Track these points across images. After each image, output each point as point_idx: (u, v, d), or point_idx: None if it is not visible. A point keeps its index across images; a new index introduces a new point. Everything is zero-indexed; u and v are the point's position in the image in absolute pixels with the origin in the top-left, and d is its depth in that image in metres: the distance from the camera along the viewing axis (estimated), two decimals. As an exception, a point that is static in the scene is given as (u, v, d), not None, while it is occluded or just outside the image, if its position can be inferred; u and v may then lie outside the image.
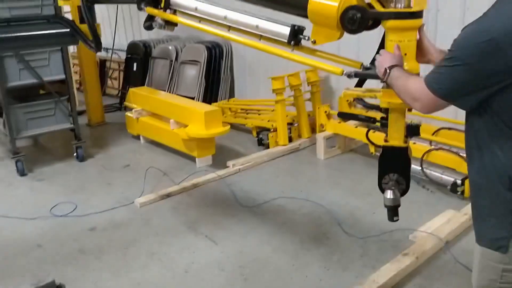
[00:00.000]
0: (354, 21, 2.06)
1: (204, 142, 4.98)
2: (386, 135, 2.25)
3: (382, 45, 2.10)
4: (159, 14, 2.89)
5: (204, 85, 6.56)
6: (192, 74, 6.69)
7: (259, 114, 6.01)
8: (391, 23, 2.00)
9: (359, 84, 2.33)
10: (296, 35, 2.37)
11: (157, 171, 4.88)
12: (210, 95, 6.62)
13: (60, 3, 3.55)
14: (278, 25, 2.46)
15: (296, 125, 5.50)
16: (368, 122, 2.50)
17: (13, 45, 3.56)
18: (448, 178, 4.04)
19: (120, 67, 8.25)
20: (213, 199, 4.30)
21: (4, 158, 5.57)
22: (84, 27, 3.25)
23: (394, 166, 2.26)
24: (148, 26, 3.02)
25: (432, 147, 4.23)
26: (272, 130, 5.41)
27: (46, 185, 4.82)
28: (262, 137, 5.45)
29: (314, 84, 5.43)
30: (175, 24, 2.96)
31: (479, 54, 1.43)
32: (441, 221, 3.53)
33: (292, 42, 2.38)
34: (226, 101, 6.62)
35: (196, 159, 5.03)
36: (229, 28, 2.63)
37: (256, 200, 4.18)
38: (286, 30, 2.39)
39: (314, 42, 2.29)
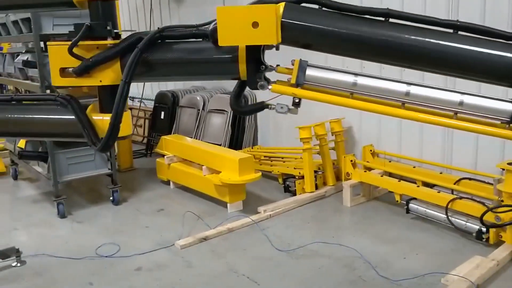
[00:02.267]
0: None
1: (235, 188, 5.26)
2: None
3: None
4: (301, 93, 2.08)
5: (230, 132, 6.90)
6: (219, 122, 7.05)
7: (284, 162, 6.30)
8: None
9: None
10: None
11: (191, 215, 5.12)
12: (235, 142, 6.95)
13: (59, 81, 2.19)
14: (495, 101, 1.98)
15: (321, 173, 5.79)
16: None
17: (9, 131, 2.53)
18: (473, 226, 4.28)
19: (145, 115, 8.63)
20: (249, 243, 4.53)
21: (42, 201, 5.84)
22: (104, 120, 2.18)
23: None
24: (255, 110, 2.34)
25: (455, 196, 4.49)
26: (298, 177, 5.70)
27: (86, 226, 5.07)
28: (289, 184, 5.73)
29: (338, 134, 5.76)
30: (299, 105, 2.13)
31: None
32: (470, 266, 3.74)
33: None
34: (250, 148, 6.93)
35: (228, 204, 5.28)
36: (403, 103, 2.04)
37: (291, 245, 4.41)
38: (508, 107, 1.95)
39: None
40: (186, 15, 8.08)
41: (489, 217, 4.12)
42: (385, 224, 4.80)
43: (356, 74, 2.08)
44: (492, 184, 4.38)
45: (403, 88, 2.03)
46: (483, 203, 4.21)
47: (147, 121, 8.59)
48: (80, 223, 5.17)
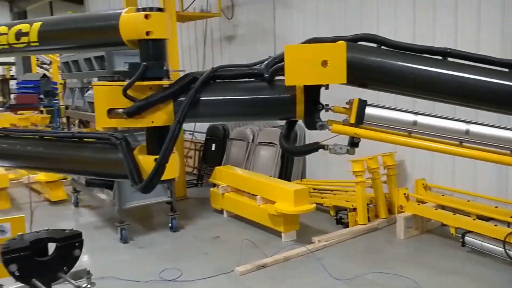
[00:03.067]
0: None
1: (290, 218, 5.42)
2: None
3: None
4: (358, 132, 2.03)
5: (280, 165, 7.12)
6: (268, 155, 7.28)
7: (334, 194, 6.44)
8: None
9: None
10: None
11: (246, 243, 5.29)
12: (284, 174, 7.14)
13: (107, 123, 2.09)
14: None
15: (373, 205, 5.89)
16: None
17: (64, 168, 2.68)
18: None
19: (195, 146, 8.98)
20: (306, 272, 4.66)
21: (104, 227, 6.15)
22: (149, 161, 2.04)
23: None
24: (309, 151, 2.23)
25: (512, 229, 4.52)
26: (349, 209, 5.82)
27: (148, 252, 5.32)
28: (341, 216, 5.85)
29: (390, 167, 5.89)
30: (358, 145, 2.10)
31: None
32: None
33: None
34: (299, 181, 7.10)
35: (282, 234, 5.44)
36: (461, 142, 2.01)
37: (348, 274, 4.51)
38: None
39: None
40: (237, 53, 8.48)
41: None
42: (440, 256, 4.85)
43: (415, 113, 2.03)
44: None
45: (462, 126, 1.99)
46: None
47: (197, 152, 8.92)
48: (142, 248, 5.42)
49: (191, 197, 7.47)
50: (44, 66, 18.35)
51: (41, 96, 15.00)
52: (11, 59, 17.63)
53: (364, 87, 2.09)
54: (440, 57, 1.97)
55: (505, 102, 1.92)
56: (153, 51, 1.99)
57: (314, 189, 6.75)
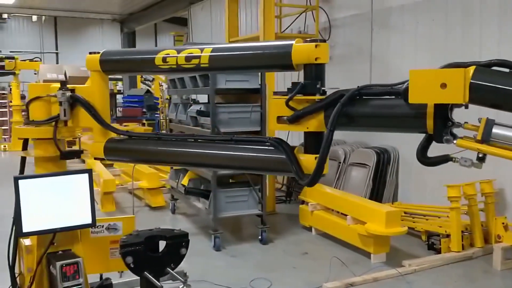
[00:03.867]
0: None
1: (380, 239, 5.41)
2: None
3: None
4: (483, 149, 2.19)
5: (371, 186, 7.09)
6: (360, 176, 7.29)
7: (427, 219, 6.29)
8: None
9: None
10: None
11: (335, 261, 5.34)
12: (375, 196, 7.10)
13: (276, 127, 2.65)
14: None
15: (468, 233, 5.68)
16: None
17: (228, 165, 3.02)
18: None
19: (286, 163, 9.18)
20: (395, 294, 4.63)
21: (199, 234, 6.52)
22: (308, 159, 2.49)
23: None
24: (440, 162, 2.37)
25: None
26: (442, 236, 5.66)
27: (240, 261, 5.57)
28: (433, 242, 5.71)
29: (488, 195, 5.66)
30: (484, 160, 2.23)
31: None
32: None
33: None
34: (391, 204, 7.02)
35: (372, 254, 5.44)
36: None
37: (439, 301, 4.42)
38: None
39: None
40: (333, 72, 8.60)
41: None
42: (542, 292, 4.59)
43: None
44: None
45: None
46: None
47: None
48: (234, 257, 5.69)
49: (280, 213, 7.66)
50: (147, 82, 19.79)
51: (144, 109, 16.19)
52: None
53: (497, 108, 2.19)
54: None
55: None
56: (316, 73, 2.48)
57: (405, 212, 6.63)
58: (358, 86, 2.44)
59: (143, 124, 15.45)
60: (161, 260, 3.13)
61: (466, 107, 2.23)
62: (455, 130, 2.29)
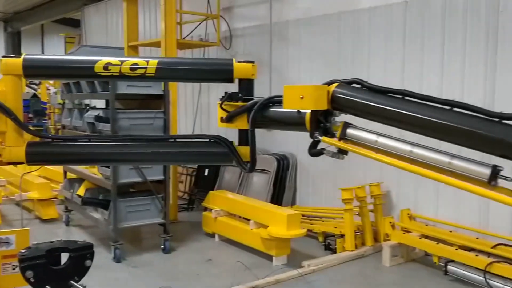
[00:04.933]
0: None
1: (282, 242, 5.61)
2: None
3: None
4: (338, 144, 2.86)
5: (272, 191, 7.32)
6: (261, 181, 7.50)
7: (323, 221, 6.65)
8: None
9: None
10: (495, 175, 2.39)
11: (238, 266, 5.44)
12: (276, 201, 7.34)
13: (219, 125, 3.40)
14: (475, 164, 2.42)
15: (359, 233, 6.11)
16: None
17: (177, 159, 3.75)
18: (511, 289, 4.53)
19: (187, 171, 9.15)
20: (296, 294, 4.84)
21: (97, 246, 6.15)
22: (244, 149, 3.18)
23: None
24: (316, 153, 3.00)
25: (493, 259, 4.77)
26: (337, 236, 6.03)
27: (142, 271, 5.43)
28: (330, 242, 6.05)
29: (377, 197, 6.14)
30: (346, 153, 2.90)
31: None
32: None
33: (493, 183, 2.39)
34: (290, 207, 7.30)
35: (273, 257, 5.62)
36: (412, 160, 2.61)
37: (337, 298, 4.70)
38: (485, 170, 2.38)
39: None
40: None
41: (527, 281, 4.39)
42: (424, 284, 5.08)
43: (379, 135, 2.73)
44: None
45: (408, 147, 2.62)
46: (521, 267, 4.48)
47: (188, 177, 9.08)
48: (136, 267, 5.53)
49: (182, 221, 7.60)
50: (32, 85, 18.46)
51: (30, 115, 15.09)
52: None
53: (354, 115, 2.85)
54: (400, 96, 2.69)
55: (448, 133, 2.51)
56: (248, 85, 3.27)
57: (303, 215, 6.94)
58: (269, 96, 3.11)
59: (30, 131, 14.36)
60: (64, 273, 2.96)
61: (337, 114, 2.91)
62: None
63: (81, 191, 6.59)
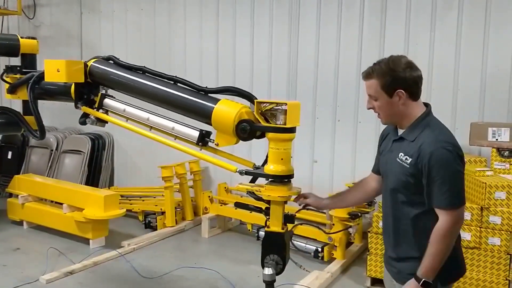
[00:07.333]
0: (245, 131, 2.72)
1: (99, 224, 5.41)
2: (267, 222, 2.78)
3: None
4: (93, 113, 3.43)
5: (87, 173, 6.97)
6: (74, 163, 7.07)
7: (143, 200, 6.61)
8: (271, 135, 2.69)
9: (253, 180, 2.93)
10: (203, 138, 2.95)
11: (51, 252, 5.09)
12: (91, 183, 7.02)
13: (6, 96, 3.96)
14: (189, 129, 3.02)
15: (180, 209, 6.24)
16: (258, 211, 2.98)
17: None
18: (311, 247, 5.15)
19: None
20: (116, 274, 4.74)
21: None
22: (30, 119, 3.75)
23: (274, 248, 2.76)
24: (83, 122, 3.53)
25: (297, 222, 5.33)
26: (157, 214, 6.07)
27: None
28: (150, 220, 6.06)
29: (196, 173, 6.34)
30: (106, 122, 3.49)
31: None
32: (311, 278, 4.55)
33: (200, 144, 2.96)
34: (107, 189, 7.06)
35: (90, 240, 5.39)
36: (151, 128, 3.20)
37: (157, 273, 4.75)
38: (195, 133, 2.97)
39: (217, 145, 2.93)
40: (42, 56, 8.01)
41: (323, 239, 5.04)
42: (239, 250, 5.45)
43: (127, 105, 3.35)
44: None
45: (146, 115, 3.24)
46: (318, 227, 5.11)
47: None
48: None
49: (-20, 209, 6.76)
50: None
51: None
52: None
53: (109, 87, 3.49)
54: (141, 72, 3.26)
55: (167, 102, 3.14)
56: (30, 60, 4.17)
57: (122, 196, 6.79)
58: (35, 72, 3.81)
59: None
60: None
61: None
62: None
63: None
